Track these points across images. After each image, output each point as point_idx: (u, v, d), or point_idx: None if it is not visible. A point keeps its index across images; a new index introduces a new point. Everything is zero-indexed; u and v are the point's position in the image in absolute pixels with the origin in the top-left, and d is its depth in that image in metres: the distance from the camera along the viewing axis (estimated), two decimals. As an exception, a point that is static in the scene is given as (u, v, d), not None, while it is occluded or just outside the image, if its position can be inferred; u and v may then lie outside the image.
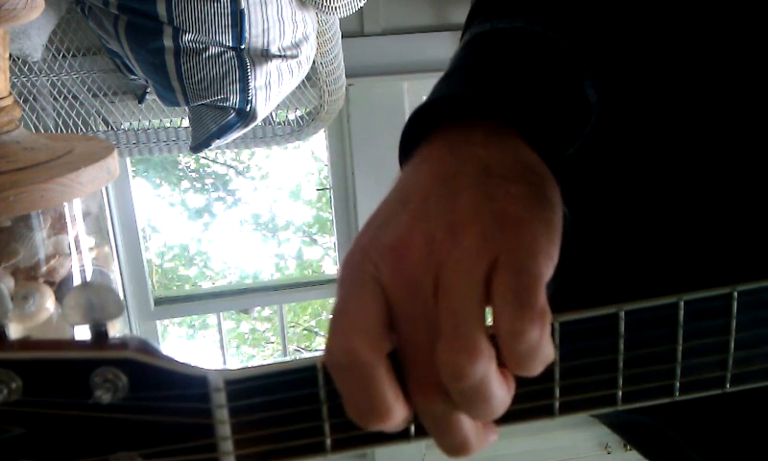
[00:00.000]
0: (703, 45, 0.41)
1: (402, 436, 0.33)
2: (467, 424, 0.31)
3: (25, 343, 0.30)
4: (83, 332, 0.31)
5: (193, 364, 0.31)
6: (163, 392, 0.31)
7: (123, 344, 0.30)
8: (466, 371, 0.28)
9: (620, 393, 0.34)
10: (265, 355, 3.99)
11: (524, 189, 0.32)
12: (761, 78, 0.39)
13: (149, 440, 0.31)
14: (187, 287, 3.96)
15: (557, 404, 0.34)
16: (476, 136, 0.35)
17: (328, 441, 0.33)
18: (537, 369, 0.30)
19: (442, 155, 0.34)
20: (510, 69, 0.38)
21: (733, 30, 0.40)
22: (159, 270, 3.93)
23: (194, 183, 3.87)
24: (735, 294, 0.34)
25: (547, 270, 0.30)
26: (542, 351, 0.29)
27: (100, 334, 0.30)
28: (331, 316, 0.31)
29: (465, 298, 0.29)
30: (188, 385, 0.31)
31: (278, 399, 0.32)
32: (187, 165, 3.81)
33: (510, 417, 0.33)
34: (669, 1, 0.42)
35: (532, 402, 0.34)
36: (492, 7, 0.44)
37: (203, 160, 3.78)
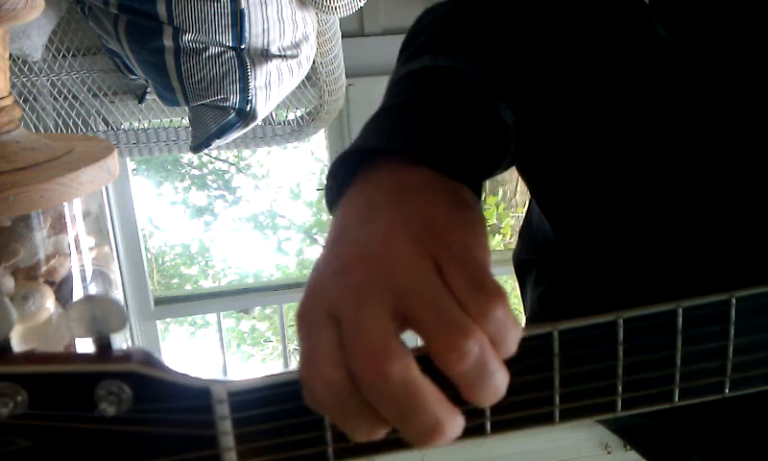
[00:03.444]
0: (693, 47, 0.41)
1: (402, 445, 0.33)
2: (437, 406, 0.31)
3: (30, 356, 0.30)
4: (85, 342, 0.31)
5: (196, 376, 0.31)
6: (167, 404, 0.31)
7: (127, 357, 0.30)
8: (465, 347, 0.29)
9: (620, 399, 0.35)
10: (265, 355, 3.99)
11: (444, 197, 0.34)
12: (760, 78, 0.39)
13: (153, 451, 0.31)
14: (188, 286, 3.96)
15: (557, 412, 0.34)
16: (392, 166, 0.36)
17: (330, 450, 0.33)
18: (510, 348, 0.30)
19: (363, 186, 0.36)
20: (424, 111, 0.40)
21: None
22: (160, 269, 3.93)
23: (195, 182, 3.87)
24: (734, 300, 0.34)
25: (485, 260, 0.31)
26: (508, 327, 0.30)
27: (104, 347, 0.30)
28: (299, 367, 0.31)
29: (429, 288, 0.30)
30: (191, 397, 0.31)
31: (281, 409, 0.32)
32: (190, 161, 3.81)
33: (510, 424, 0.33)
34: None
35: (532, 410, 0.34)
36: (408, 48, 0.46)
37: (205, 158, 3.78)
